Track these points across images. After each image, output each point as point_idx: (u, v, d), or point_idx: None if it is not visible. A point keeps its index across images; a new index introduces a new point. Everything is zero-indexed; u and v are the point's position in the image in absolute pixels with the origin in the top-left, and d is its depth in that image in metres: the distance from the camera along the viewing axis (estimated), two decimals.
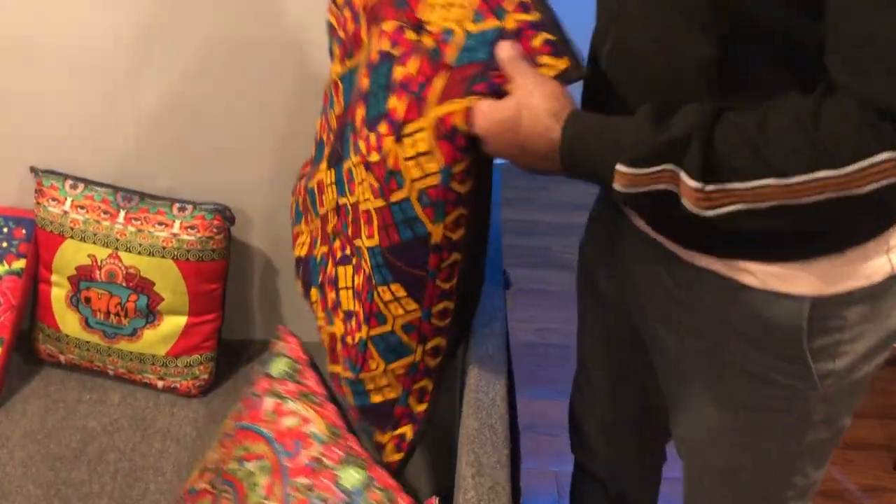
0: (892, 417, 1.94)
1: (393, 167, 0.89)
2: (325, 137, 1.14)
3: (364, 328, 1.02)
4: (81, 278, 1.43)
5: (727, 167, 0.68)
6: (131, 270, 1.41)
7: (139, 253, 1.40)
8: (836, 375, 0.86)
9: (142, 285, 1.41)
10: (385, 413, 1.07)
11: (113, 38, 1.34)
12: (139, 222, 1.41)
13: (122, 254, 1.40)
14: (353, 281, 1.06)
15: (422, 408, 1.06)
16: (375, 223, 0.94)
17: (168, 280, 1.41)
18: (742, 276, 0.83)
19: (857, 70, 0.63)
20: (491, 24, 0.84)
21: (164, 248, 1.40)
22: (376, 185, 0.92)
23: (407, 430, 1.07)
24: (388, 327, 1.00)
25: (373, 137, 0.91)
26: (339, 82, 1.08)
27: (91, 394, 1.46)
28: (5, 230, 1.44)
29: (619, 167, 0.72)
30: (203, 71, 1.36)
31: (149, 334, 1.44)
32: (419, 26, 0.89)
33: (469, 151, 0.84)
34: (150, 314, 1.43)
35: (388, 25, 0.91)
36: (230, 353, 1.54)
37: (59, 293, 1.45)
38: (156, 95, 1.39)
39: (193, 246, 1.40)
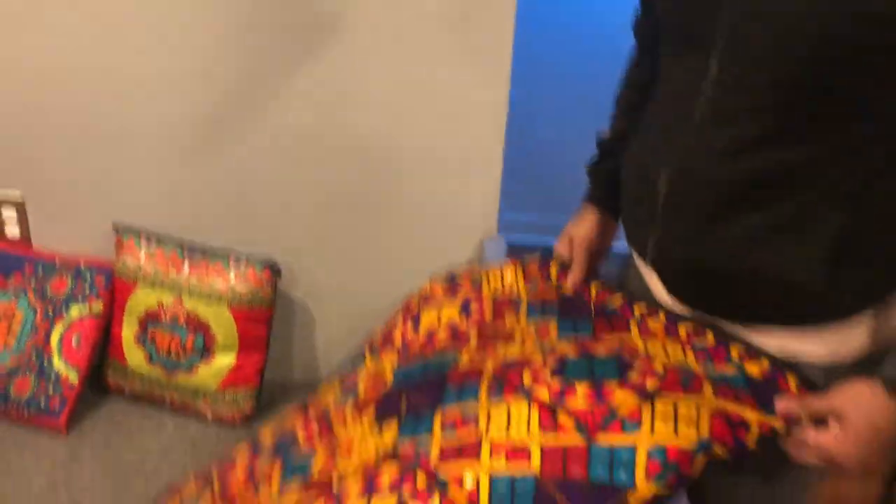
0: None
1: (627, 416, 0.89)
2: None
3: None
4: (149, 320, 1.67)
5: None
6: (191, 314, 1.64)
7: (199, 299, 1.64)
8: None
9: (199, 327, 1.65)
10: None
11: (186, 120, 1.62)
12: (200, 273, 1.65)
13: (184, 299, 1.65)
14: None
15: None
16: (537, 454, 0.90)
17: (222, 323, 1.64)
18: (763, 338, 0.97)
19: None
20: (728, 369, 0.94)
21: (220, 295, 1.64)
22: (570, 422, 0.91)
23: None
24: None
25: (582, 389, 0.94)
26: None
27: (150, 421, 1.68)
28: (88, 277, 1.70)
29: None
30: (260, 150, 1.63)
31: (203, 370, 1.66)
32: None
33: (743, 447, 0.87)
34: (206, 352, 1.66)
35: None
36: (271, 391, 1.75)
37: (128, 333, 1.69)
38: (220, 167, 1.65)
39: (245, 295, 1.63)
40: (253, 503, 1.02)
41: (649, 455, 0.85)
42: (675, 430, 0.87)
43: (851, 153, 0.87)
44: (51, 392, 1.62)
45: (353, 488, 0.92)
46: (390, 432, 0.98)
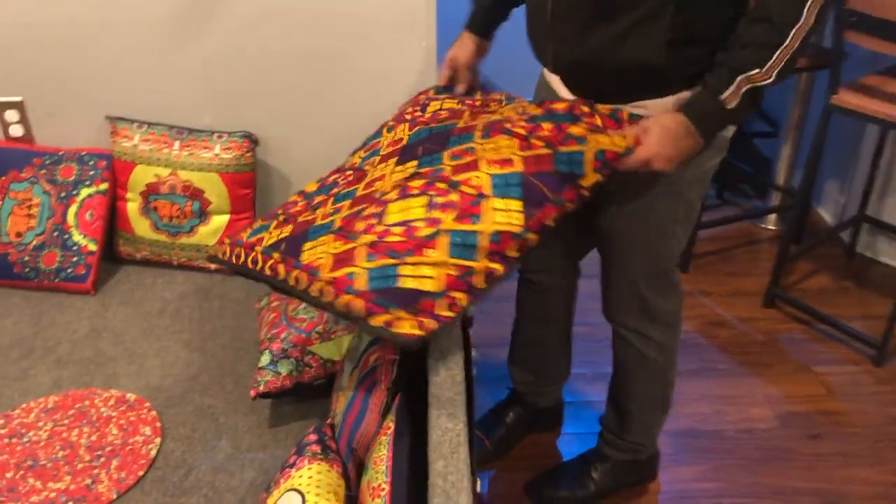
0: (765, 276, 2.52)
1: (578, 135, 1.29)
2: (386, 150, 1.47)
3: (447, 221, 1.19)
4: (150, 193, 1.96)
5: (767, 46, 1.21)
6: (186, 183, 1.94)
7: (192, 170, 1.94)
8: (695, 166, 1.39)
9: (195, 194, 1.95)
10: (410, 297, 1.13)
11: (161, 14, 1.88)
12: (190, 148, 1.94)
13: (179, 172, 1.94)
14: (427, 201, 1.24)
15: (447, 314, 1.15)
16: (520, 162, 1.26)
17: (214, 188, 1.95)
18: (639, 111, 1.36)
19: None
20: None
21: (209, 164, 1.93)
22: (540, 143, 1.29)
23: (428, 322, 1.13)
24: (478, 226, 1.19)
25: (547, 125, 1.32)
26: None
27: (162, 277, 2.00)
28: (91, 163, 1.97)
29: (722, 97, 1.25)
30: (232, 33, 1.90)
31: (202, 230, 1.98)
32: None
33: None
34: (202, 215, 1.97)
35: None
36: None
37: (133, 206, 1.99)
38: (197, 55, 1.93)
39: (231, 162, 1.94)
40: (310, 217, 1.35)
41: (595, 156, 1.26)
42: (611, 142, 1.28)
43: None
44: (75, 261, 1.92)
45: (392, 195, 1.28)
46: (411, 168, 1.35)
